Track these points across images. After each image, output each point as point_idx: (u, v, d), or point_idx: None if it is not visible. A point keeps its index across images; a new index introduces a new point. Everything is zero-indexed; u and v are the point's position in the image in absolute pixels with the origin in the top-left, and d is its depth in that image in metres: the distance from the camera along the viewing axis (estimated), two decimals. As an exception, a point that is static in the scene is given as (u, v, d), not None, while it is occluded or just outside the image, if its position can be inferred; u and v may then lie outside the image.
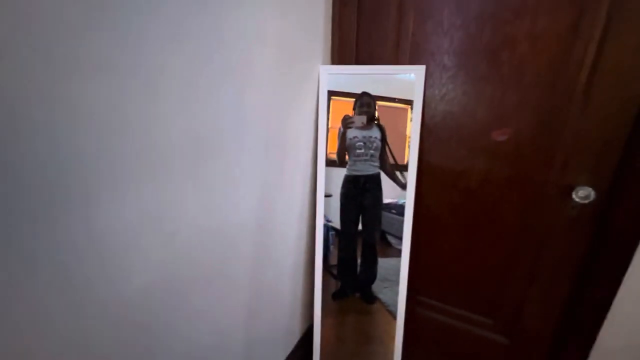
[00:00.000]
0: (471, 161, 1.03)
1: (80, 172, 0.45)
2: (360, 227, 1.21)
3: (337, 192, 1.18)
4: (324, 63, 1.06)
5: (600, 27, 0.80)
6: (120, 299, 0.54)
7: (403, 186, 1.11)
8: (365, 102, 1.09)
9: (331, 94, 1.10)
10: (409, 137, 1.06)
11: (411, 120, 1.04)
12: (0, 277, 0.39)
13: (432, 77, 1.01)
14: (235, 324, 0.86)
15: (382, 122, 1.11)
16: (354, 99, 1.12)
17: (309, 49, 0.97)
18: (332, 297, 1.27)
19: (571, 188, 0.91)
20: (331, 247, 1.27)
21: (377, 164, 1.13)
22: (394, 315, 1.18)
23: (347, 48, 1.08)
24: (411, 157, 1.04)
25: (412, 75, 1.01)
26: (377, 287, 1.27)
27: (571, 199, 0.91)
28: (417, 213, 1.10)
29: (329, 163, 1.17)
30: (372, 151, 1.12)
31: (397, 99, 1.07)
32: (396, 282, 1.15)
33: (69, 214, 0.44)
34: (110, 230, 0.50)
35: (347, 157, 1.14)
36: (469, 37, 0.93)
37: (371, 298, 1.27)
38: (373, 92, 1.09)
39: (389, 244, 1.18)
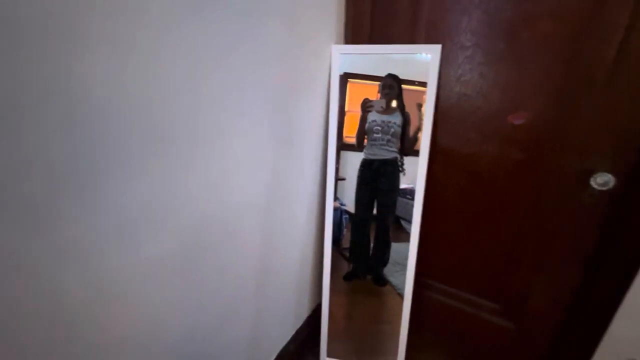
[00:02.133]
0: (484, 145, 1.01)
1: (99, 146, 0.47)
2: (375, 211, 1.22)
3: (352, 175, 1.19)
4: (337, 42, 1.04)
5: (631, 1, 0.75)
6: (135, 262, 0.57)
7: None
8: (387, 84, 1.07)
9: (348, 76, 1.09)
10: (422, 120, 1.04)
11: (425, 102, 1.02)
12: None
13: (448, 58, 0.98)
14: (244, 295, 0.89)
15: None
16: (373, 82, 1.10)
17: (321, 27, 0.95)
18: (344, 279, 1.30)
19: (589, 174, 0.88)
20: (344, 231, 1.29)
21: (394, 149, 1.12)
22: (403, 298, 1.20)
23: (360, 27, 1.05)
24: (423, 139, 1.03)
25: (429, 55, 0.98)
26: (388, 271, 1.28)
27: (588, 185, 0.88)
28: (428, 197, 1.09)
29: (345, 147, 1.16)
30: (388, 136, 1.11)
31: (417, 81, 1.04)
32: (407, 266, 1.16)
33: (97, 188, 0.47)
34: (120, 204, 0.53)
35: (365, 141, 1.14)
36: (487, 15, 0.90)
37: (382, 281, 1.29)
38: (378, 73, 1.07)
39: (402, 229, 1.18)
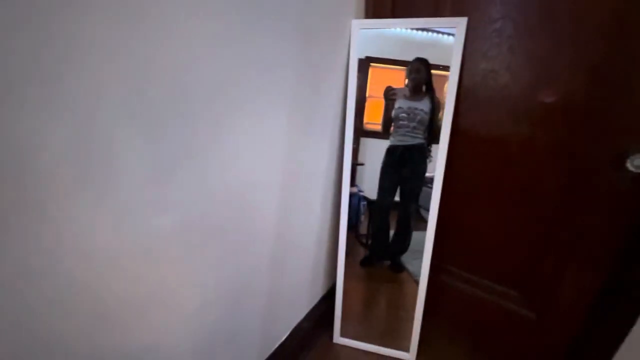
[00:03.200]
0: (512, 126, 0.96)
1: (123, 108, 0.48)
2: (397, 198, 1.20)
3: (371, 162, 1.17)
4: (357, 17, 1.01)
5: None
6: (151, 233, 0.58)
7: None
8: (414, 68, 1.03)
9: (370, 60, 1.05)
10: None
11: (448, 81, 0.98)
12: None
13: (475, 31, 0.92)
14: (260, 272, 0.90)
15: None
16: (397, 67, 1.07)
17: (341, 1, 0.92)
18: (360, 264, 1.30)
19: (625, 156, 0.81)
20: (361, 217, 1.28)
21: (419, 135, 1.08)
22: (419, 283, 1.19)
23: (382, 1, 1.01)
24: (445, 120, 0.99)
25: (454, 34, 0.93)
26: (406, 258, 1.27)
27: (625, 168, 0.82)
28: (449, 181, 1.05)
29: (366, 133, 1.15)
30: (414, 124, 1.07)
31: (444, 66, 0.99)
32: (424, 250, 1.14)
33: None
34: (135, 166, 0.53)
35: (392, 128, 1.11)
36: (520, -17, 0.84)
37: (399, 267, 1.28)
38: (403, 58, 1.03)
39: (422, 218, 1.16)
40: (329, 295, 1.32)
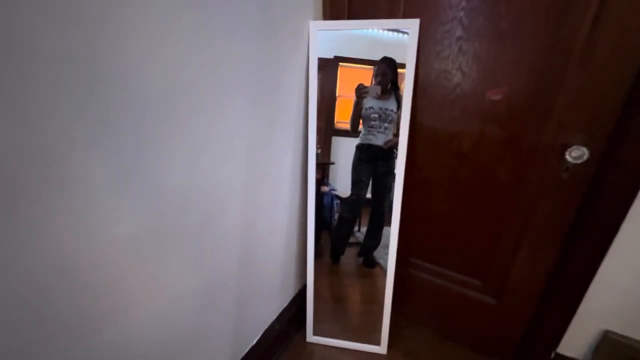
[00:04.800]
0: (465, 123, 1.01)
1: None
2: (369, 195, 1.22)
3: (342, 160, 1.19)
4: (315, 18, 1.02)
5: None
6: (109, 241, 0.57)
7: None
8: (380, 71, 1.06)
9: (339, 59, 1.07)
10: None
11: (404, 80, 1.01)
12: None
13: (427, 33, 0.96)
14: (227, 277, 0.90)
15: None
16: (365, 66, 1.08)
17: (298, 3, 0.93)
18: (331, 260, 1.31)
19: (565, 148, 0.88)
20: (335, 215, 1.30)
21: (390, 135, 1.11)
22: None
23: (339, 3, 1.03)
24: (403, 118, 1.02)
25: (408, 30, 0.97)
26: (378, 253, 1.30)
27: (564, 159, 0.88)
28: (409, 175, 1.09)
29: (336, 132, 1.16)
30: (386, 124, 1.10)
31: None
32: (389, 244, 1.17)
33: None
34: (93, 175, 0.52)
35: (360, 126, 1.13)
36: (466, -12, 0.88)
37: (372, 263, 1.31)
38: (370, 57, 1.06)
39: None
40: (301, 294, 1.32)
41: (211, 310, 0.87)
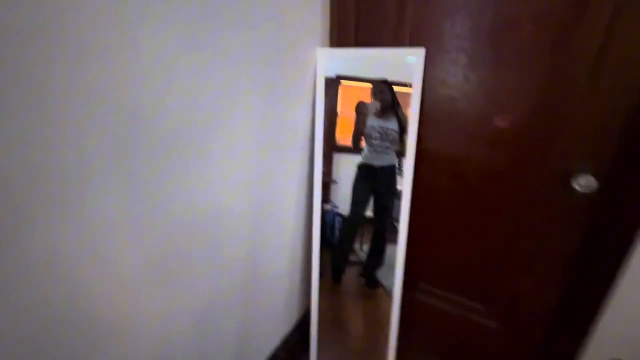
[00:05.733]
0: (471, 148, 1.02)
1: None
2: (371, 214, 1.21)
3: (344, 178, 1.18)
4: (322, 46, 1.04)
5: (611, 6, 0.76)
6: (114, 275, 0.56)
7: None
8: (379, 90, 1.07)
9: (341, 78, 1.08)
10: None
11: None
12: None
13: (433, 61, 0.98)
14: (229, 303, 0.88)
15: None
16: (366, 85, 1.10)
17: (306, 32, 0.95)
18: (333, 280, 1.29)
19: (571, 175, 0.89)
20: (337, 234, 1.28)
21: (392, 155, 1.11)
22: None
23: (346, 31, 1.05)
24: (409, 142, 1.03)
25: (414, 58, 0.98)
26: (381, 273, 1.28)
27: (571, 187, 0.89)
28: (416, 199, 1.09)
29: (338, 149, 1.16)
30: (388, 144, 1.10)
31: (409, 84, 1.03)
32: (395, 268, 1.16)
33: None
34: (95, 213, 0.51)
35: (363, 143, 1.13)
36: (470, 19, 0.90)
37: (375, 283, 1.28)
38: (371, 75, 1.07)
39: (397, 232, 1.17)
40: (305, 319, 1.30)
41: (211, 338, 0.85)
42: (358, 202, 1.20)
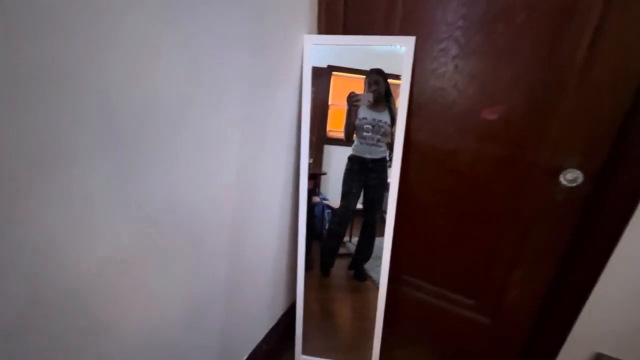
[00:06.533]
0: (461, 140, 1.00)
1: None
2: (360, 206, 1.20)
3: (334, 170, 1.16)
4: (310, 32, 1.00)
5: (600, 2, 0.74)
6: (87, 266, 0.53)
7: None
8: (372, 80, 1.04)
9: (332, 69, 1.05)
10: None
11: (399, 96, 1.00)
12: None
13: (422, 50, 0.95)
14: (213, 296, 0.86)
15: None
16: (358, 76, 1.07)
17: (291, 17, 0.91)
18: (322, 273, 1.28)
19: (560, 170, 0.87)
20: (326, 225, 1.27)
21: (383, 148, 1.09)
22: None
23: (334, 17, 1.01)
24: (397, 133, 1.01)
25: (403, 47, 0.95)
26: (369, 265, 1.27)
27: (559, 181, 0.87)
28: (403, 191, 1.07)
29: (329, 141, 1.14)
30: (379, 136, 1.08)
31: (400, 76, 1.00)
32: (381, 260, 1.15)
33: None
34: (70, 201, 0.48)
35: (354, 135, 1.11)
36: (463, 6, 0.87)
37: (363, 276, 1.28)
38: (364, 67, 1.04)
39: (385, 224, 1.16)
40: (291, 311, 1.29)
41: (196, 330, 0.83)
42: (348, 195, 1.18)
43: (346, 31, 1.02)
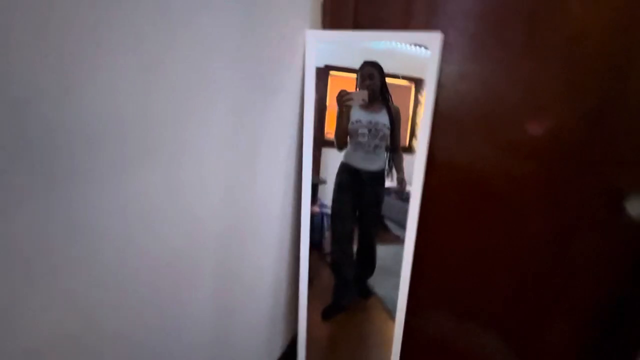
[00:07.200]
0: (496, 158, 0.85)
1: None
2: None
3: (332, 172, 1.03)
4: (313, 27, 0.84)
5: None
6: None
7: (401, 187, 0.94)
8: (367, 73, 0.87)
9: (330, 68, 0.92)
10: (411, 120, 0.88)
11: (415, 101, 0.84)
12: None
13: (450, 48, 0.80)
14: (198, 343, 0.72)
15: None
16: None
17: (292, 9, 0.77)
18: (323, 316, 1.13)
19: (622, 197, 0.71)
20: (326, 234, 1.13)
21: (382, 157, 0.94)
22: (391, 314, 1.06)
23: (341, 9, 0.85)
24: (419, 149, 0.85)
25: (421, 47, 0.79)
26: (374, 280, 1.14)
27: (621, 210, 0.71)
28: (424, 213, 0.93)
29: (326, 143, 1.01)
30: (377, 141, 0.92)
31: (401, 75, 0.87)
32: (394, 273, 1.02)
33: None
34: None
35: (348, 140, 0.96)
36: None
37: (367, 292, 1.14)
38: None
39: (386, 229, 1.04)
40: (291, 346, 1.15)
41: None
42: (342, 217, 1.04)
43: (357, 26, 0.86)
